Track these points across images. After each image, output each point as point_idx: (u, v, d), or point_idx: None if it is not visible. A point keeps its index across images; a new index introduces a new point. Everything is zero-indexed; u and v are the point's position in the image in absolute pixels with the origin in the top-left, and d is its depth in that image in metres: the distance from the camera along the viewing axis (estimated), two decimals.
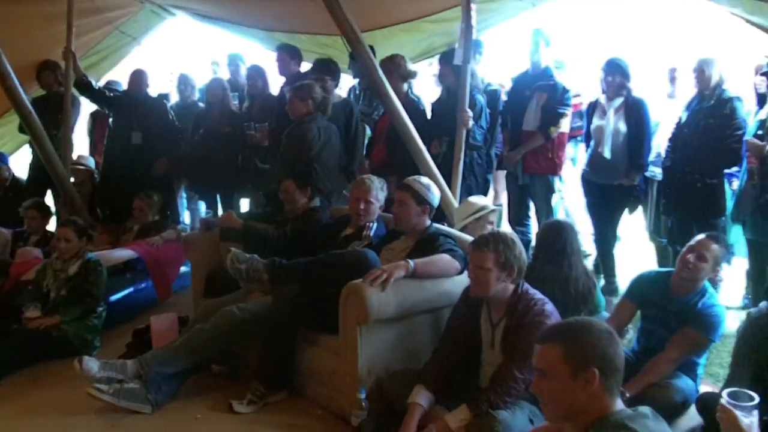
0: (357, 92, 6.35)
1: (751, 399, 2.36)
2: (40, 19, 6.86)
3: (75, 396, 3.66)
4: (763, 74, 4.67)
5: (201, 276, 4.71)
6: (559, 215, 6.35)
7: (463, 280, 3.44)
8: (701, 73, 4.94)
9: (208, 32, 7.90)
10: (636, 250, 6.43)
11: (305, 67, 6.22)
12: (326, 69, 5.78)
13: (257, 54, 7.58)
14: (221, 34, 7.74)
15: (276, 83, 6.36)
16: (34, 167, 7.15)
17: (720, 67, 4.95)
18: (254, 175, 6.24)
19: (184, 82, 7.06)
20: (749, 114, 5.16)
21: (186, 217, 7.49)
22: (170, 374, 3.73)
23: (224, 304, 3.94)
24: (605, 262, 5.66)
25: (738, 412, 2.31)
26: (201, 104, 6.91)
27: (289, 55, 6.10)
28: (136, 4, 7.37)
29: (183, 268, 5.69)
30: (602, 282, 5.51)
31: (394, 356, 3.54)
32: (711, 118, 4.90)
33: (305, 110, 5.06)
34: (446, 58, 5.51)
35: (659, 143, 5.62)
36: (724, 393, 2.39)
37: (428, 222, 3.90)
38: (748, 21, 4.81)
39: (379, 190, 4.21)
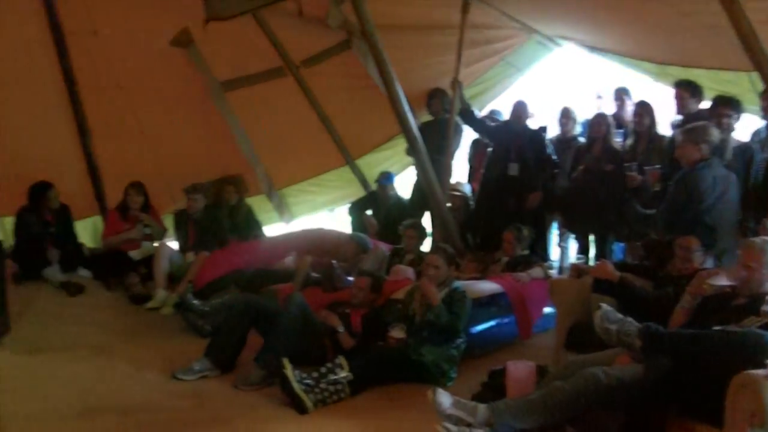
0: (762, 137, 5.51)
1: None
2: (433, 48, 7.31)
3: (423, 426, 3.60)
4: None
5: (565, 325, 4.42)
6: None
7: None
8: None
9: (594, 64, 7.60)
10: None
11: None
12: (727, 104, 5.14)
13: (645, 88, 7.07)
14: (608, 66, 7.39)
15: (665, 122, 5.86)
16: (417, 189, 7.54)
17: None
18: (634, 220, 5.79)
19: (565, 115, 6.86)
20: None
21: (554, 254, 7.26)
22: (519, 429, 3.50)
23: (589, 363, 3.58)
24: None
25: None
26: (581, 139, 6.65)
27: (689, 92, 5.50)
28: (524, 35, 7.40)
29: (546, 309, 5.46)
30: None
31: None
32: None
33: (698, 156, 4.56)
34: None
35: None
36: None
37: None
38: None
39: None
